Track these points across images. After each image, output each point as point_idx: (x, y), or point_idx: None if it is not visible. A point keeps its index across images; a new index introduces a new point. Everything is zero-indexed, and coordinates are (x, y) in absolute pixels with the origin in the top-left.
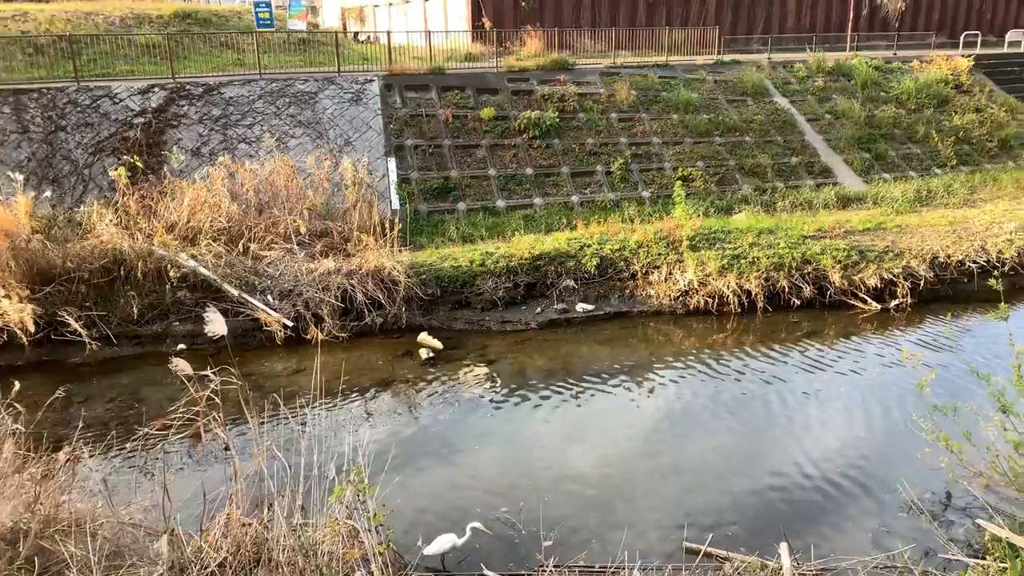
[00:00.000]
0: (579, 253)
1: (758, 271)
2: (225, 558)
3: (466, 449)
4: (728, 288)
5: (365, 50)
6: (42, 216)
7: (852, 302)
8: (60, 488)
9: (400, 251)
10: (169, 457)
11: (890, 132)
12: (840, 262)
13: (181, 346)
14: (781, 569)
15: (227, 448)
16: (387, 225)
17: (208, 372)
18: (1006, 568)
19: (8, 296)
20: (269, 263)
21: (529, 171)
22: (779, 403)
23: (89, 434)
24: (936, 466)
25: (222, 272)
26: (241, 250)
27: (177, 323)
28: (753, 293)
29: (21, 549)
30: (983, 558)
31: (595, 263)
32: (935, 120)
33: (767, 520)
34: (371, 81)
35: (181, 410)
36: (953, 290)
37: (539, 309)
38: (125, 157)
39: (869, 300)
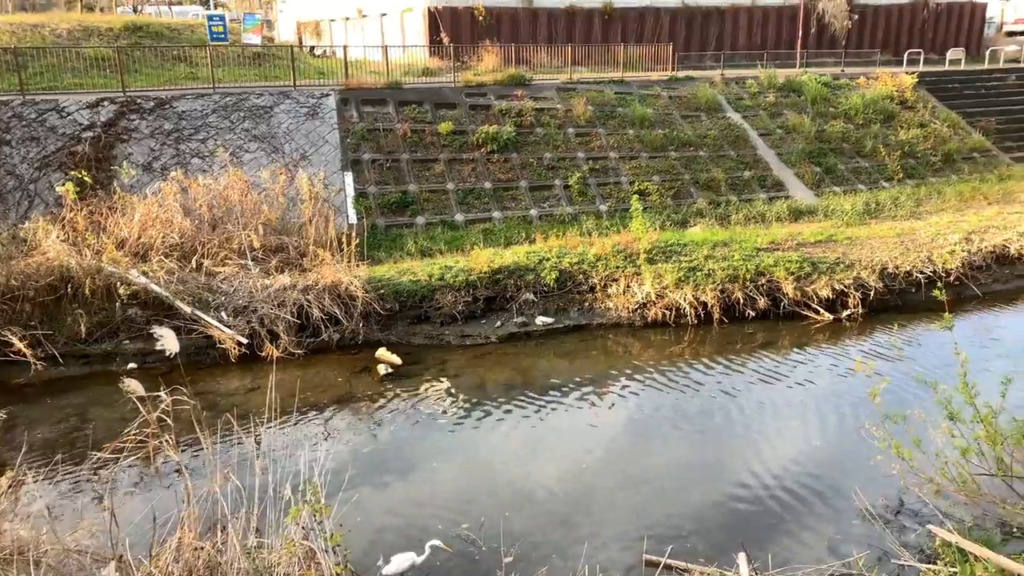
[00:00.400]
0: (538, 266)
1: (714, 283)
2: None
3: (426, 466)
4: (685, 300)
5: (321, 64)
6: None
7: (805, 313)
8: (2, 515)
9: (357, 266)
10: (119, 480)
11: (839, 146)
12: (793, 274)
13: (132, 365)
14: None
15: (179, 470)
16: (344, 239)
17: (160, 393)
18: (956, 572)
19: None
20: (223, 279)
21: (488, 185)
22: (736, 414)
23: (34, 458)
24: (888, 473)
25: (174, 289)
26: (194, 266)
27: (127, 341)
28: (709, 305)
29: None
30: (934, 563)
31: (554, 276)
32: (882, 135)
33: (726, 530)
34: (327, 95)
35: (133, 432)
36: (902, 300)
37: (499, 323)
38: (73, 172)
39: (821, 310)
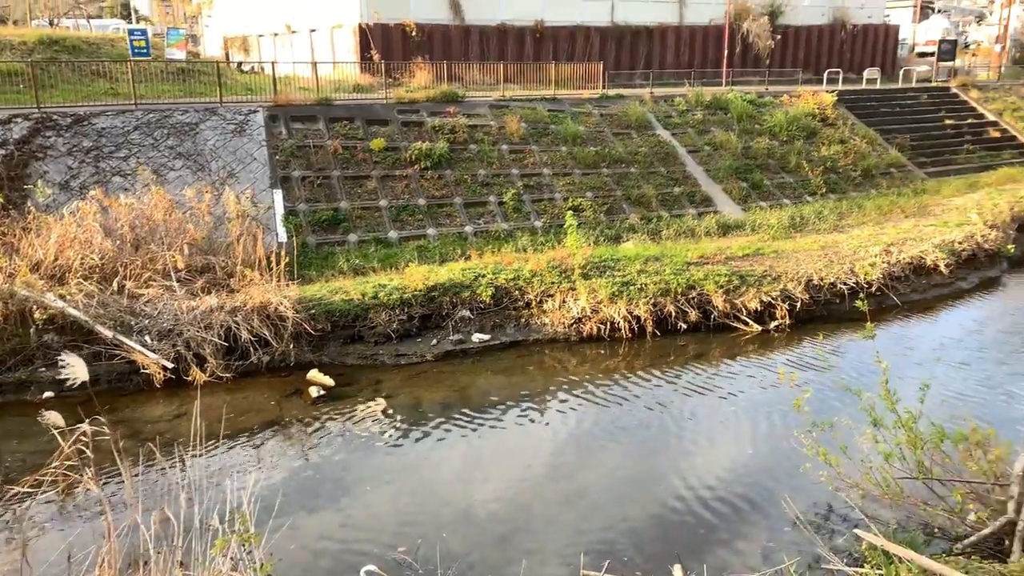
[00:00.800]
0: (474, 283)
1: (646, 297)
2: None
3: (361, 489)
4: (619, 314)
5: (249, 80)
6: None
7: (735, 324)
8: None
9: (288, 285)
10: (34, 517)
11: (765, 162)
12: (722, 287)
13: (48, 394)
14: None
15: (100, 503)
16: (274, 258)
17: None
18: (882, 574)
19: None
20: (147, 301)
21: (421, 202)
22: (671, 426)
23: None
24: (817, 480)
25: (94, 313)
26: (116, 289)
27: (43, 369)
28: (643, 318)
29: None
30: (862, 566)
31: (490, 293)
32: (805, 151)
33: (662, 542)
34: (255, 112)
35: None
36: (827, 311)
37: (435, 341)
38: None
39: (751, 322)
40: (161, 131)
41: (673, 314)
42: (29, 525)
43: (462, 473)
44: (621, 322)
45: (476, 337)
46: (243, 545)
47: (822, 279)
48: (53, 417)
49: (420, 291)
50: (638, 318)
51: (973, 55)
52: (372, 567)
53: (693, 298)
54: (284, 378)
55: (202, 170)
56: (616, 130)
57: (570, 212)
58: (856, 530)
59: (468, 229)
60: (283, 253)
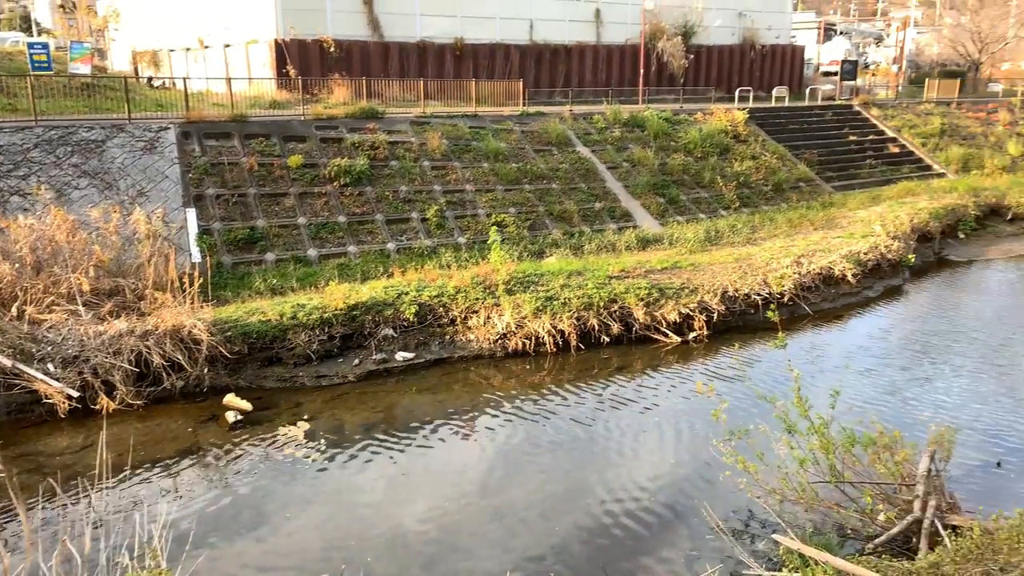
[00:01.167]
0: (397, 301)
1: (570, 311)
2: None
3: (283, 515)
4: (543, 329)
5: (160, 96)
6: None
7: (656, 336)
8: None
9: (202, 307)
10: None
11: (681, 178)
12: (643, 299)
13: None
14: None
15: None
16: (187, 280)
17: None
18: None
19: None
20: (49, 327)
21: (342, 219)
22: (596, 439)
23: None
24: (737, 487)
25: None
26: (15, 314)
27: None
28: (567, 333)
29: None
30: (780, 570)
31: (414, 310)
32: (719, 167)
33: (589, 555)
34: (167, 128)
35: None
36: (742, 321)
37: (357, 361)
38: None
39: (670, 334)
40: (64, 148)
41: (596, 327)
42: None
43: (388, 495)
44: (546, 337)
45: (400, 356)
46: None
47: (737, 290)
48: None
49: (341, 310)
50: (562, 332)
51: (873, 75)
52: None
53: (615, 311)
54: (199, 404)
55: (109, 189)
56: (537, 147)
57: (494, 228)
58: (774, 535)
59: (390, 246)
60: (197, 274)
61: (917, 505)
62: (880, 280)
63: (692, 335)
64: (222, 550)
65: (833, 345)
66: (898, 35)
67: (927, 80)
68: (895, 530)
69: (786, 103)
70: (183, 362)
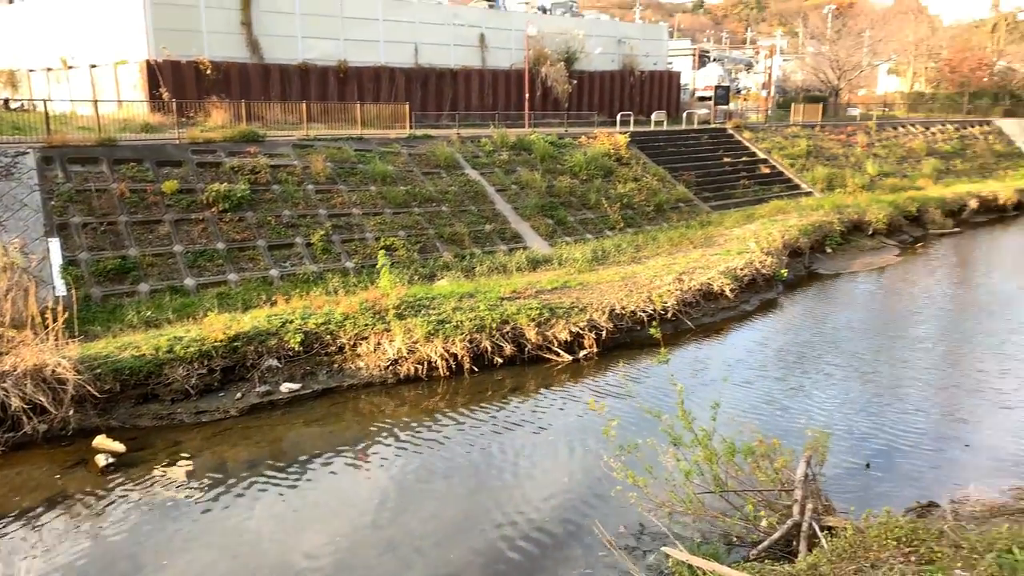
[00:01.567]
0: (281, 330)
1: (462, 334)
2: None
3: (161, 563)
4: (436, 353)
5: (17, 119)
6: None
7: (548, 356)
8: None
9: (68, 343)
10: None
11: (568, 200)
12: (534, 320)
13: None
14: None
15: None
16: (50, 315)
17: None
18: None
19: None
20: None
21: (221, 246)
22: (491, 461)
23: None
24: (628, 502)
25: None
26: None
27: None
28: (459, 356)
29: None
30: None
31: (299, 339)
32: (604, 189)
33: None
34: (25, 153)
35: None
36: (630, 337)
37: (239, 394)
38: None
39: (562, 353)
40: None
41: (489, 349)
42: None
43: (278, 533)
44: (438, 361)
45: (285, 387)
46: None
47: (624, 308)
48: None
49: (221, 342)
50: (455, 356)
51: (745, 100)
52: None
53: (507, 332)
54: (66, 448)
55: None
56: (426, 169)
57: (382, 251)
58: (664, 548)
59: (274, 273)
60: (61, 308)
61: (796, 509)
62: (756, 294)
63: (583, 353)
64: None
65: (714, 358)
66: (766, 62)
67: (793, 105)
68: (776, 535)
69: (665, 127)
70: (47, 404)
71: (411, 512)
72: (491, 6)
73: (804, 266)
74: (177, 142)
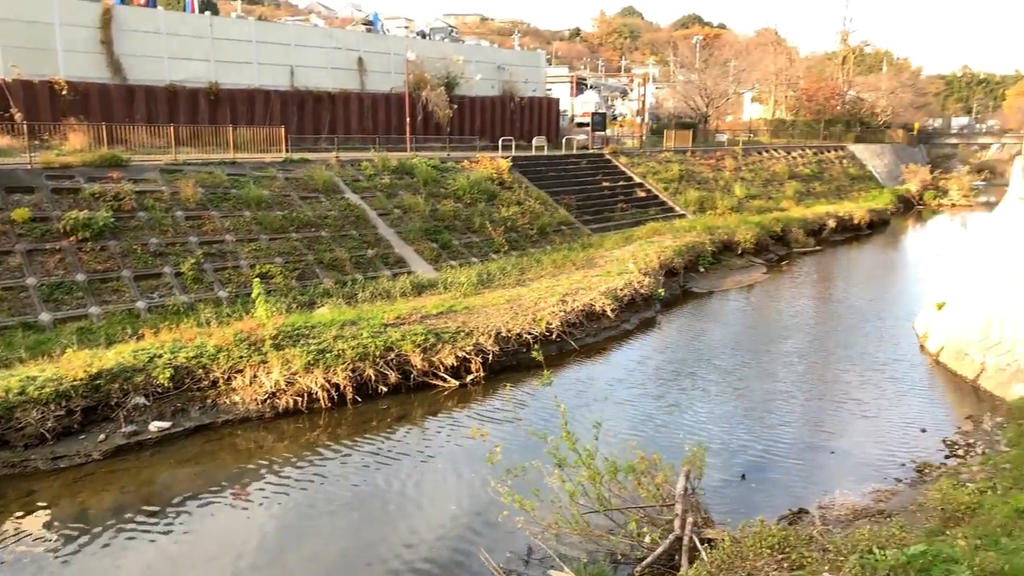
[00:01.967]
0: (149, 365)
1: (344, 363)
2: None
3: None
4: (316, 384)
5: None
6: None
7: (434, 382)
8: None
9: None
10: None
11: (452, 224)
12: (419, 346)
13: None
14: None
15: None
16: None
17: None
18: None
19: None
20: None
21: (81, 277)
22: (376, 494)
23: None
24: (516, 526)
25: None
26: None
27: None
28: (342, 386)
29: None
30: None
31: (169, 374)
32: (487, 212)
33: None
34: None
35: None
36: (517, 360)
37: (103, 436)
38: None
39: (448, 378)
40: None
41: (373, 378)
42: None
43: None
44: (319, 392)
45: (154, 426)
46: None
47: (510, 331)
48: None
49: (82, 380)
50: (337, 386)
51: (620, 126)
52: None
53: (392, 360)
54: None
55: None
56: (304, 194)
57: (258, 280)
58: (551, 571)
59: (140, 304)
60: None
61: (677, 523)
62: (636, 313)
63: (470, 378)
64: None
65: (597, 378)
66: (639, 90)
67: (666, 131)
68: (659, 550)
69: (545, 152)
70: None
71: (293, 551)
72: (369, 30)
73: (679, 285)
74: (29, 167)
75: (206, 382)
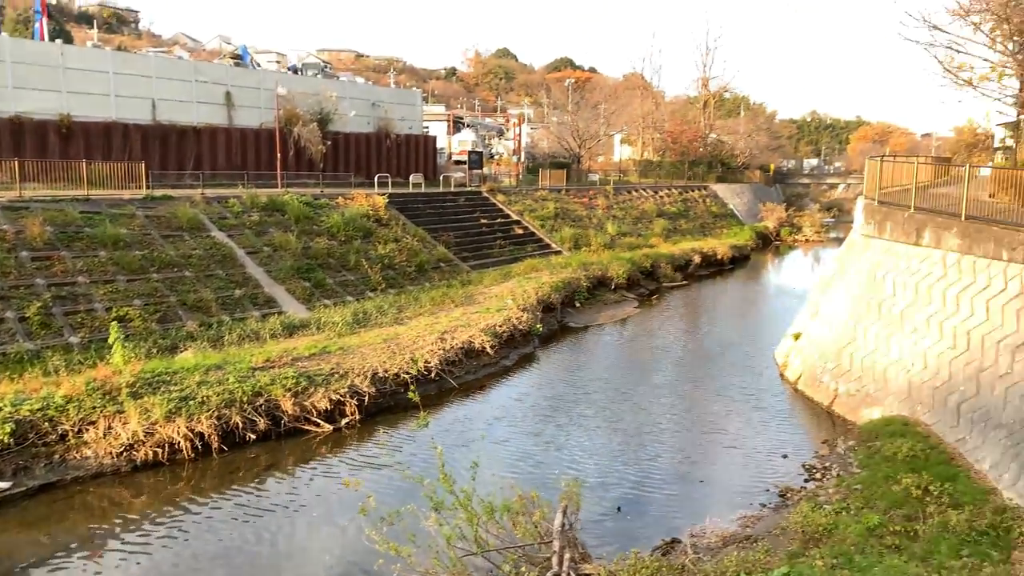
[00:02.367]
0: None
1: (209, 411)
2: None
3: None
4: (178, 434)
5: None
6: None
7: (307, 427)
8: None
9: None
10: None
11: (326, 261)
12: (290, 390)
13: None
14: None
15: None
16: None
17: None
18: None
19: None
20: None
21: None
22: (244, 550)
23: None
24: (392, 574)
25: None
26: None
27: None
28: (207, 435)
29: None
30: None
31: (9, 429)
32: (363, 250)
33: None
34: None
35: None
36: (394, 401)
37: None
38: None
39: (322, 423)
40: None
41: (241, 425)
42: None
43: None
44: (182, 442)
45: None
46: None
47: (387, 371)
48: None
49: None
50: (202, 435)
51: (498, 164)
52: None
53: (261, 405)
54: None
55: None
56: (166, 232)
57: (114, 324)
58: None
59: None
60: None
61: (555, 561)
62: (515, 349)
63: (344, 421)
64: None
65: (476, 416)
66: (515, 130)
67: (541, 170)
68: None
69: (423, 189)
70: None
71: None
72: (238, 64)
73: (557, 320)
74: None
75: (53, 436)
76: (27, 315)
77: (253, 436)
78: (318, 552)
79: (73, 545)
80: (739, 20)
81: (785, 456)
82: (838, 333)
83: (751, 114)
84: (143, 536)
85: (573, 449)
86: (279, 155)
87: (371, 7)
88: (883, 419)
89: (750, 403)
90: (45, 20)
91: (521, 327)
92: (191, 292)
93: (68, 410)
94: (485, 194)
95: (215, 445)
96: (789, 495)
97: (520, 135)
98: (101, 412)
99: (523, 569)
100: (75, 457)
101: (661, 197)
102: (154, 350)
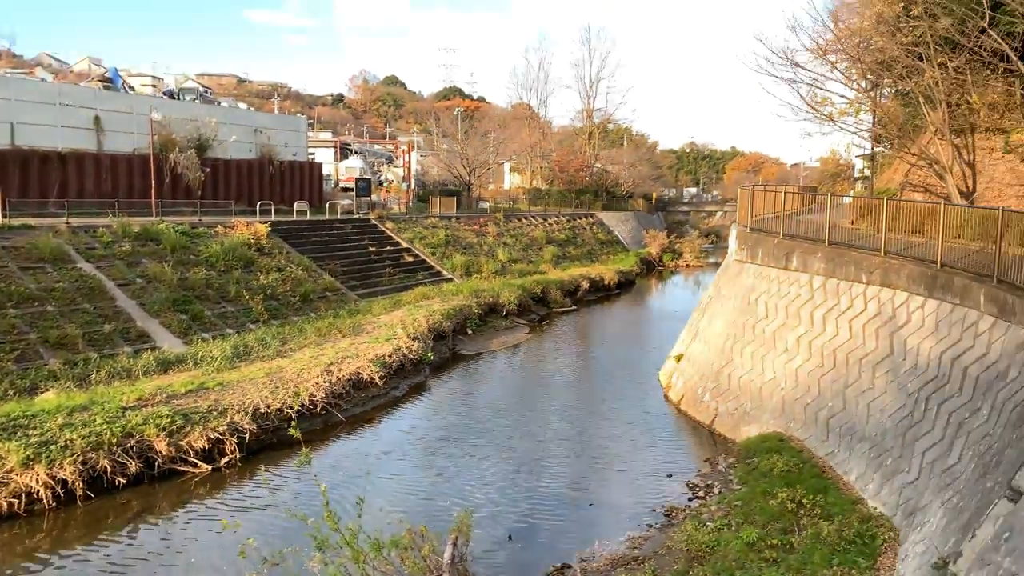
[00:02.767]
0: None
1: (73, 455)
2: None
3: None
4: (37, 482)
5: None
6: None
7: (183, 468)
8: None
9: None
10: None
11: (204, 293)
12: (165, 429)
13: None
14: None
15: None
16: None
17: None
18: None
19: None
20: None
21: None
22: None
23: None
24: None
25: None
26: None
27: None
28: (70, 481)
29: None
30: None
31: None
32: (244, 280)
33: None
34: None
35: None
36: (277, 437)
37: None
38: None
39: (200, 463)
40: None
41: (109, 469)
42: None
43: None
44: (41, 490)
45: None
46: None
47: (269, 407)
48: None
49: None
50: (64, 482)
51: (387, 191)
52: None
53: (132, 447)
54: None
55: None
56: (25, 264)
57: None
58: None
59: None
60: None
61: None
62: (405, 379)
63: (224, 460)
64: None
65: (363, 451)
66: (404, 157)
67: (431, 197)
68: None
69: (308, 217)
70: None
71: None
72: (108, 87)
73: (448, 348)
74: None
75: None
76: None
77: (123, 480)
78: None
79: None
80: (620, 52)
81: (670, 476)
82: (717, 354)
83: (633, 145)
84: None
85: (464, 480)
86: (154, 182)
87: (254, 33)
88: (760, 436)
89: (636, 425)
90: None
91: (412, 356)
92: (53, 328)
93: None
94: (374, 221)
95: (80, 492)
96: (674, 514)
97: (410, 162)
98: None
99: None
100: None
101: (550, 224)
102: (10, 392)
